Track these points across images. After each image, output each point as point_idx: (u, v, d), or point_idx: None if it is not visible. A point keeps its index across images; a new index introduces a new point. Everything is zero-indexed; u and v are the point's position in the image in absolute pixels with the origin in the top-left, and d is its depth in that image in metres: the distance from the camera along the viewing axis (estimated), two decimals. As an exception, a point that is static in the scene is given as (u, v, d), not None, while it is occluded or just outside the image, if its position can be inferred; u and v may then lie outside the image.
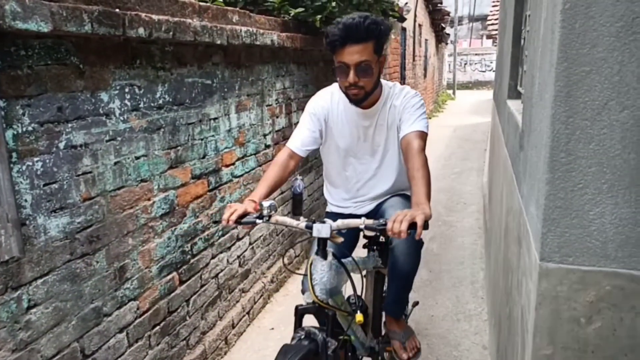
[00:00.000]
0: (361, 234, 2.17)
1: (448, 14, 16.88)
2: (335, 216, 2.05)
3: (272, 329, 3.08)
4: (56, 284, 1.67)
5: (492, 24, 17.63)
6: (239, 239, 2.99)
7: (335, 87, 2.04)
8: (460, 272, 3.82)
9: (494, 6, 18.00)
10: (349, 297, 2.00)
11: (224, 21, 2.60)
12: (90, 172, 1.80)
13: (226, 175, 2.80)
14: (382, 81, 1.99)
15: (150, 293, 2.18)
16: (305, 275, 1.75)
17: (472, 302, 3.34)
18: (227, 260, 2.87)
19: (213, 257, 2.70)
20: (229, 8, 2.70)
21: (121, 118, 1.94)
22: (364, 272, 2.04)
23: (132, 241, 2.04)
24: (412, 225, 1.49)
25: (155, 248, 2.19)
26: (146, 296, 2.15)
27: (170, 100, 2.25)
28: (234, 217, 1.68)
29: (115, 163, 1.92)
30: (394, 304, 2.17)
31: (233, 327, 2.89)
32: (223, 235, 2.80)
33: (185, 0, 2.28)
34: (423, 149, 1.85)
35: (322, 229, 1.64)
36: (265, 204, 1.70)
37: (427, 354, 2.78)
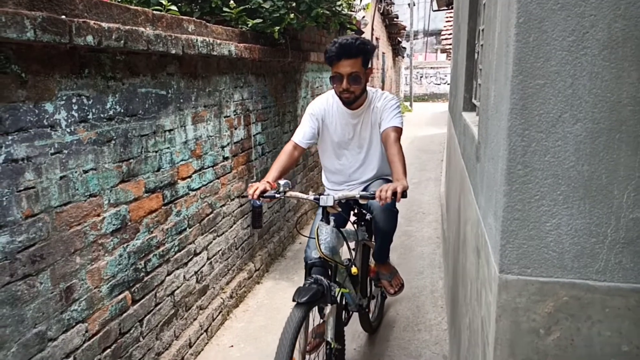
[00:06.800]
0: (351, 212, 2.69)
1: (404, 28, 17.30)
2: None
3: (232, 346, 2.99)
4: (-6, 308, 1.55)
5: (446, 39, 18.18)
6: (196, 254, 2.90)
7: (330, 93, 2.56)
8: (420, 282, 3.85)
9: (447, 22, 18.58)
10: (344, 260, 2.44)
11: (179, 31, 2.53)
12: (33, 188, 1.69)
13: (182, 189, 2.72)
14: (368, 88, 2.50)
15: (100, 314, 2.07)
16: (312, 237, 2.26)
17: (432, 312, 3.36)
18: (184, 277, 2.77)
19: (169, 274, 2.60)
20: (185, 17, 2.64)
21: (68, 130, 1.84)
22: (352, 245, 2.70)
23: (79, 260, 1.93)
24: (394, 194, 2.01)
25: (105, 266, 2.08)
26: (95, 317, 2.04)
27: (122, 111, 2.16)
28: (257, 193, 2.13)
29: (61, 177, 1.82)
30: (379, 253, 2.73)
31: (190, 346, 2.78)
32: (179, 250, 2.70)
33: (137, 8, 2.21)
34: (398, 139, 2.40)
35: (327, 200, 2.16)
36: (282, 182, 2.19)
37: (389, 367, 2.77)
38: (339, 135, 2.55)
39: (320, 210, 2.26)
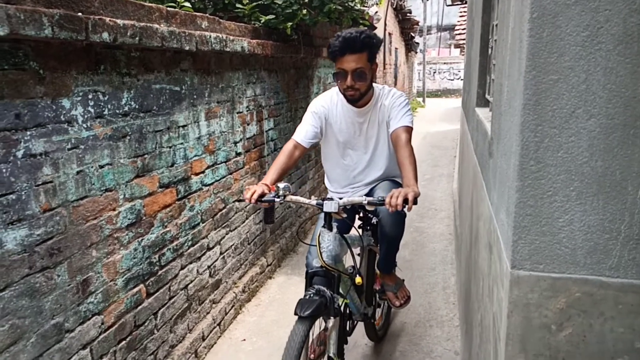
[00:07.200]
0: (356, 217, 2.52)
1: (417, 23, 17.18)
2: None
3: (244, 340, 3.02)
4: (13, 299, 1.59)
5: (460, 34, 18.03)
6: (209, 249, 2.93)
7: (334, 90, 2.40)
8: (432, 278, 3.84)
9: (461, 16, 18.42)
10: (347, 267, 2.33)
11: (192, 27, 2.55)
12: (50, 182, 1.72)
13: (196, 184, 2.74)
14: (374, 84, 2.34)
15: (116, 307, 2.10)
16: (313, 245, 2.12)
17: (444, 308, 3.36)
18: (197, 271, 2.80)
19: (182, 268, 2.63)
20: (198, 14, 2.66)
21: (84, 125, 1.87)
22: (357, 250, 2.47)
23: (96, 253, 1.96)
24: (405, 201, 1.86)
25: (120, 260, 2.12)
26: (111, 310, 2.07)
27: (137, 107, 2.18)
28: (255, 197, 1.98)
29: (78, 172, 1.85)
30: (385, 262, 2.55)
31: (203, 339, 2.82)
32: (193, 245, 2.73)
33: (152, 5, 2.23)
34: (409, 140, 2.22)
35: (331, 205, 1.99)
36: (281, 185, 2.02)
37: (400, 362, 2.78)
38: (344, 135, 2.39)
39: (322, 215, 2.12)
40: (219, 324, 3.01)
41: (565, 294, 1.11)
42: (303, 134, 2.32)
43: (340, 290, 2.18)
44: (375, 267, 2.69)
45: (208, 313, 2.94)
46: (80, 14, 1.73)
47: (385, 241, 2.42)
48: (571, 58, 1.02)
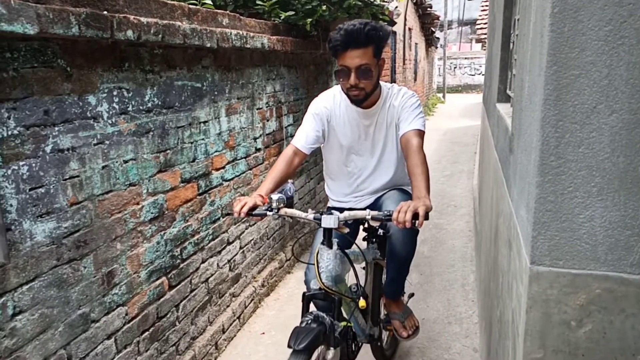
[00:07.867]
0: (361, 227, 2.32)
1: (438, 18, 16.99)
2: (336, 211, 2.02)
3: (263, 333, 3.06)
4: (42, 290, 1.64)
5: (481, 28, 17.77)
6: (229, 243, 2.97)
7: (336, 89, 2.17)
8: (451, 275, 3.83)
9: (482, 10, 18.15)
10: (350, 286, 2.10)
11: (213, 24, 2.59)
12: (77, 176, 1.77)
13: (216, 179, 2.78)
14: (381, 83, 2.12)
15: (139, 298, 2.16)
16: (311, 264, 1.89)
17: (463, 305, 3.34)
18: (218, 265, 2.84)
19: (203, 262, 2.68)
20: (219, 11, 2.69)
21: (109, 121, 1.92)
22: (362, 264, 2.25)
23: (120, 246, 2.01)
24: (415, 216, 1.63)
25: (144, 253, 2.17)
26: (135, 301, 2.13)
27: (160, 103, 2.23)
28: (245, 210, 1.79)
29: (103, 167, 1.90)
30: (392, 287, 2.30)
31: (223, 332, 2.86)
32: (213, 239, 2.78)
33: (174, 3, 2.27)
34: (421, 146, 2.00)
35: (330, 220, 1.78)
36: (274, 197, 1.82)
37: (418, 357, 2.78)
38: (348, 139, 2.16)
39: (320, 231, 1.90)
40: (238, 317, 3.06)
41: (586, 290, 1.10)
42: (304, 139, 2.11)
43: (343, 312, 1.99)
44: (382, 287, 2.43)
45: (228, 306, 2.99)
46: (105, 12, 1.78)
47: (393, 262, 2.19)
48: (593, 53, 1.01)
